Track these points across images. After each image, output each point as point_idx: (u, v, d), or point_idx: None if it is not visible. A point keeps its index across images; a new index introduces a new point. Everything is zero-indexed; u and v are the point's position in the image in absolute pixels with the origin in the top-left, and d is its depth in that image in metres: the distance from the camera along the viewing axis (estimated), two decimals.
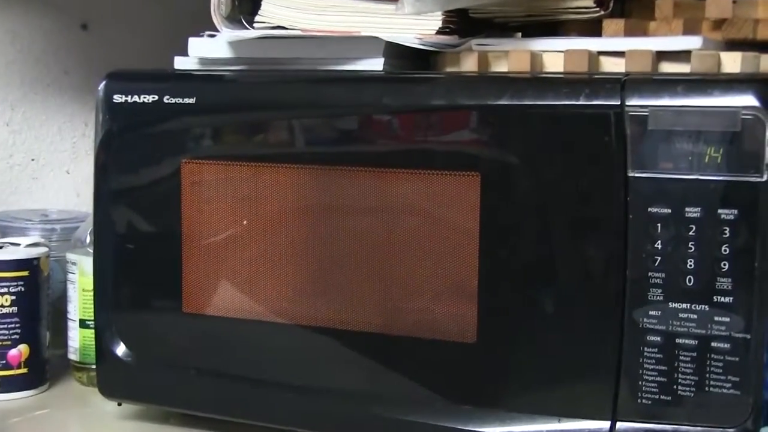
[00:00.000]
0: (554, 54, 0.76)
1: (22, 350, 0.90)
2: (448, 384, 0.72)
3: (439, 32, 0.79)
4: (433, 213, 0.72)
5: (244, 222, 0.78)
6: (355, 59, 0.80)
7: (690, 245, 0.64)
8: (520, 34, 0.84)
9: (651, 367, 0.65)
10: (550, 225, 0.67)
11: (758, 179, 0.62)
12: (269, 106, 0.77)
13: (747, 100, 0.62)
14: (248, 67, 0.84)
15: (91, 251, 0.85)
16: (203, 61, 0.85)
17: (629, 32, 0.77)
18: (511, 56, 0.77)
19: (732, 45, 0.75)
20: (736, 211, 0.63)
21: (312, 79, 0.78)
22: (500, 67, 0.78)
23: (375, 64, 0.79)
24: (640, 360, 0.66)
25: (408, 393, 0.73)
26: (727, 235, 0.63)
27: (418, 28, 0.79)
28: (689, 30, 0.77)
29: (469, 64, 0.78)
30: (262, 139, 0.78)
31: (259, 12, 0.84)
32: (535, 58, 0.76)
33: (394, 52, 0.79)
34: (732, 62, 0.71)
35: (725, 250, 0.63)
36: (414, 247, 0.72)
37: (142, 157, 0.80)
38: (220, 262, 0.79)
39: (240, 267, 0.79)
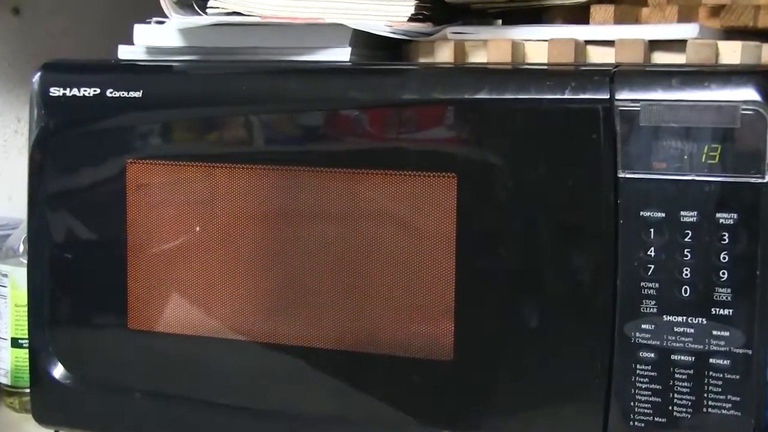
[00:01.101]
0: (537, 43, 0.77)
1: None
2: (424, 406, 0.72)
3: (411, 19, 0.80)
4: (405, 218, 0.72)
5: (197, 229, 0.78)
6: (320, 49, 0.80)
7: (686, 252, 0.65)
8: (500, 21, 0.85)
9: (644, 386, 0.66)
10: (533, 231, 0.68)
11: (759, 180, 0.63)
12: (224, 101, 0.77)
13: (747, 93, 0.63)
14: (201, 58, 0.84)
15: (25, 262, 0.85)
16: (151, 50, 0.85)
17: (619, 19, 0.78)
18: (490, 46, 0.77)
19: (731, 33, 0.77)
20: (735, 215, 0.64)
21: (272, 71, 0.79)
22: (478, 57, 0.79)
23: (341, 54, 0.79)
24: (632, 378, 0.66)
25: (379, 416, 0.73)
26: (726, 241, 0.64)
27: (389, 15, 0.80)
28: (684, 17, 0.78)
29: (444, 55, 0.79)
30: (216, 136, 0.78)
31: None
32: (517, 47, 0.77)
33: (362, 40, 0.80)
34: (731, 52, 0.72)
35: (724, 258, 0.64)
36: (385, 256, 0.72)
37: (82, 157, 0.80)
38: (171, 273, 0.79)
39: (192, 279, 0.79)
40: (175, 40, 0.84)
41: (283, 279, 0.76)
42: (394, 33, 0.79)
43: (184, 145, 0.78)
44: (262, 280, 0.77)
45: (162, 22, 0.84)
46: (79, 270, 0.81)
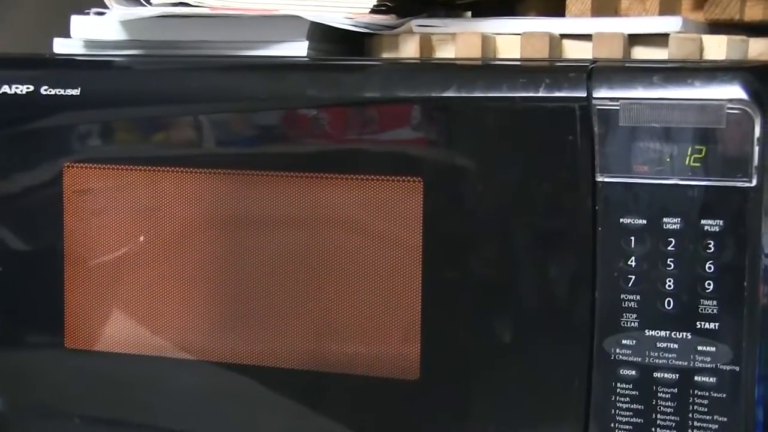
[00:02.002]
0: (510, 37, 0.77)
1: None
2: (388, 428, 0.72)
3: (373, 11, 0.80)
4: (367, 225, 0.72)
5: (141, 238, 0.78)
6: (275, 43, 0.80)
7: (669, 262, 0.65)
8: (469, 13, 0.85)
9: (625, 406, 0.66)
10: (505, 239, 0.68)
11: (746, 184, 0.64)
12: (171, 99, 0.77)
13: (733, 91, 0.64)
14: (144, 52, 0.83)
15: None
16: (89, 44, 0.85)
17: (597, 12, 0.79)
18: (459, 40, 0.78)
19: (716, 27, 0.77)
20: (721, 222, 0.64)
21: (222, 67, 0.78)
22: (446, 52, 0.79)
23: (298, 49, 0.79)
24: (612, 398, 0.66)
25: None
26: (712, 249, 0.64)
27: (349, 6, 0.80)
28: (667, 10, 0.78)
29: (409, 49, 0.79)
30: (162, 138, 0.77)
31: None
32: (488, 41, 0.77)
33: (321, 34, 0.80)
34: (716, 47, 0.73)
35: (709, 268, 0.65)
36: (346, 267, 0.72)
37: (14, 161, 0.79)
38: (112, 287, 0.78)
39: (136, 293, 0.78)
40: (117, 33, 0.84)
41: (235, 293, 0.76)
42: (355, 26, 0.79)
43: (126, 147, 0.78)
44: (213, 294, 0.77)
45: (102, 14, 0.84)
46: (11, 283, 0.80)
